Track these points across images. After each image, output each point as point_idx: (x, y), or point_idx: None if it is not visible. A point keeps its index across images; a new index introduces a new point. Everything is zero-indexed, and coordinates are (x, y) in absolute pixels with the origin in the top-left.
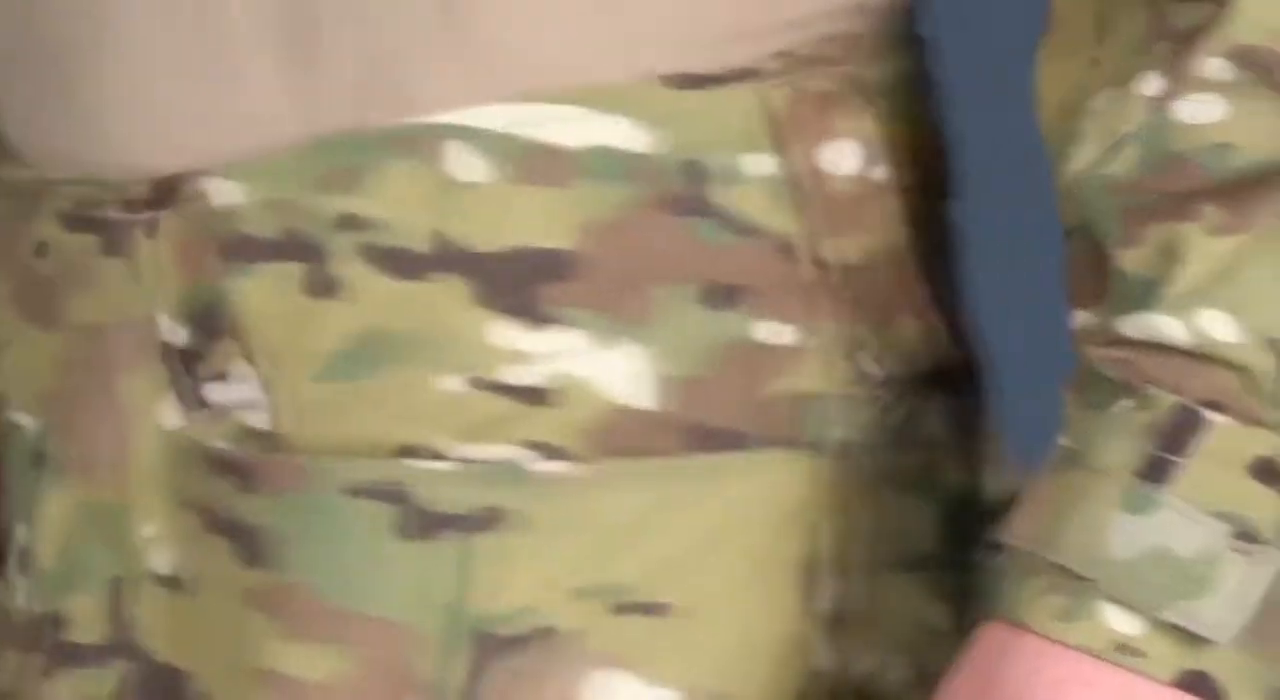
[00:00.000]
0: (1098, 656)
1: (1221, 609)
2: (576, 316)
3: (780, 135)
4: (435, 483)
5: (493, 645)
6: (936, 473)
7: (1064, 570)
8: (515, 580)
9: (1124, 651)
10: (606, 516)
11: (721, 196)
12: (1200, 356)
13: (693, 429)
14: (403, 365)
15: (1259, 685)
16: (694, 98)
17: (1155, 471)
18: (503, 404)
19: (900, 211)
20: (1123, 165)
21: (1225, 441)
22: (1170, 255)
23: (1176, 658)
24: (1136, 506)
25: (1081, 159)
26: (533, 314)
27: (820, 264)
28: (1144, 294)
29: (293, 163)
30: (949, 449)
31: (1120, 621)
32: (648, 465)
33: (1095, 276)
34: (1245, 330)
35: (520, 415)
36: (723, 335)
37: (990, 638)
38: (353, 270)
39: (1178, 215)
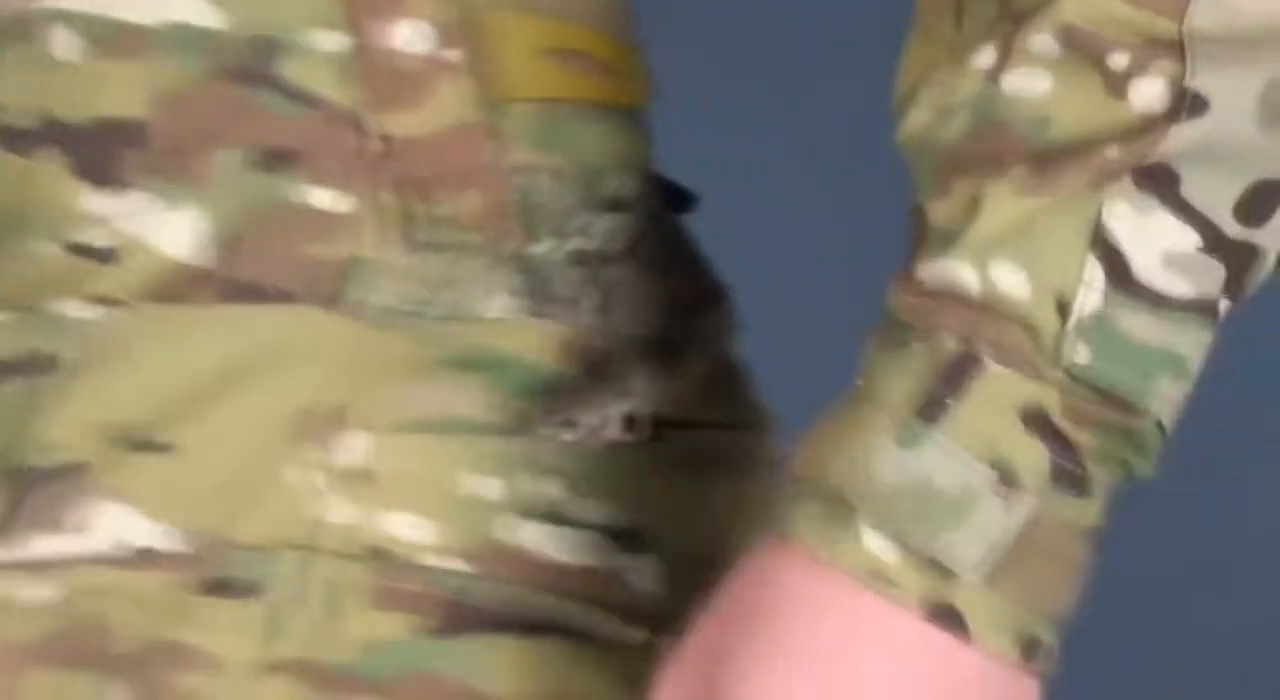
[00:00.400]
0: (857, 581)
1: (973, 546)
2: (146, 180)
3: (353, 12)
4: None
5: (34, 477)
6: (493, 346)
7: (836, 497)
8: (58, 418)
9: (878, 578)
10: (134, 360)
11: (288, 69)
12: (989, 308)
13: (236, 284)
14: (15, 236)
15: (1007, 626)
16: None
17: (930, 410)
18: (86, 265)
19: (472, 93)
20: (951, 132)
21: (1001, 389)
22: (973, 207)
23: (926, 589)
24: (906, 441)
25: (914, 122)
26: (113, 181)
27: (383, 137)
28: (944, 242)
29: None
30: (511, 326)
31: (879, 548)
32: (180, 312)
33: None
34: (1035, 287)
35: (93, 272)
36: (277, 198)
37: (762, 554)
38: None
39: (988, 173)
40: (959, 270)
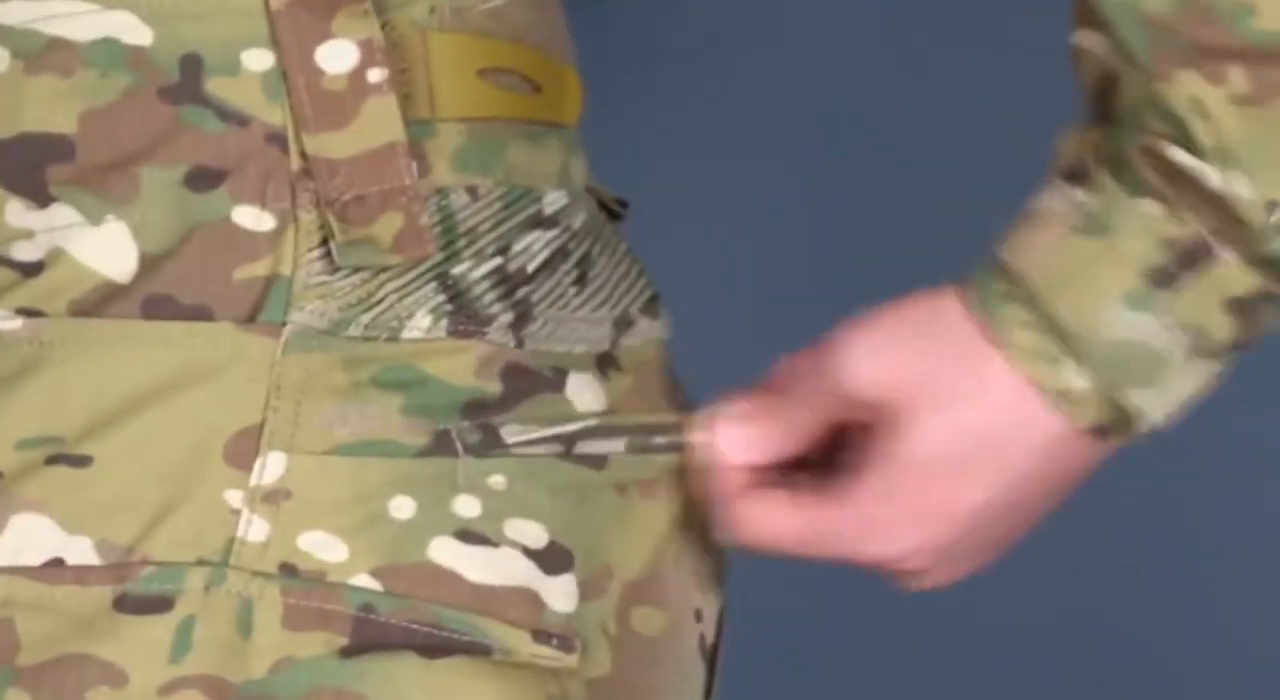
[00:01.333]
0: (1044, 393)
1: (1159, 401)
2: (72, 195)
3: (279, 32)
4: None
5: None
6: (413, 367)
7: (1052, 321)
8: None
9: (1064, 398)
10: (52, 372)
11: (216, 87)
12: (1223, 202)
13: (155, 299)
14: None
15: (1126, 441)
16: None
17: (1161, 279)
18: (10, 276)
19: (394, 114)
20: (1154, 1)
21: (1222, 277)
22: (1201, 111)
23: (1101, 420)
24: (1134, 302)
25: None
26: (39, 195)
27: (304, 156)
28: (1183, 133)
29: None
30: (431, 346)
31: (1075, 378)
32: (99, 326)
33: (1110, 79)
34: (1256, 192)
35: (19, 284)
36: (202, 216)
37: (960, 324)
38: None
39: (1207, 73)
40: (1204, 168)
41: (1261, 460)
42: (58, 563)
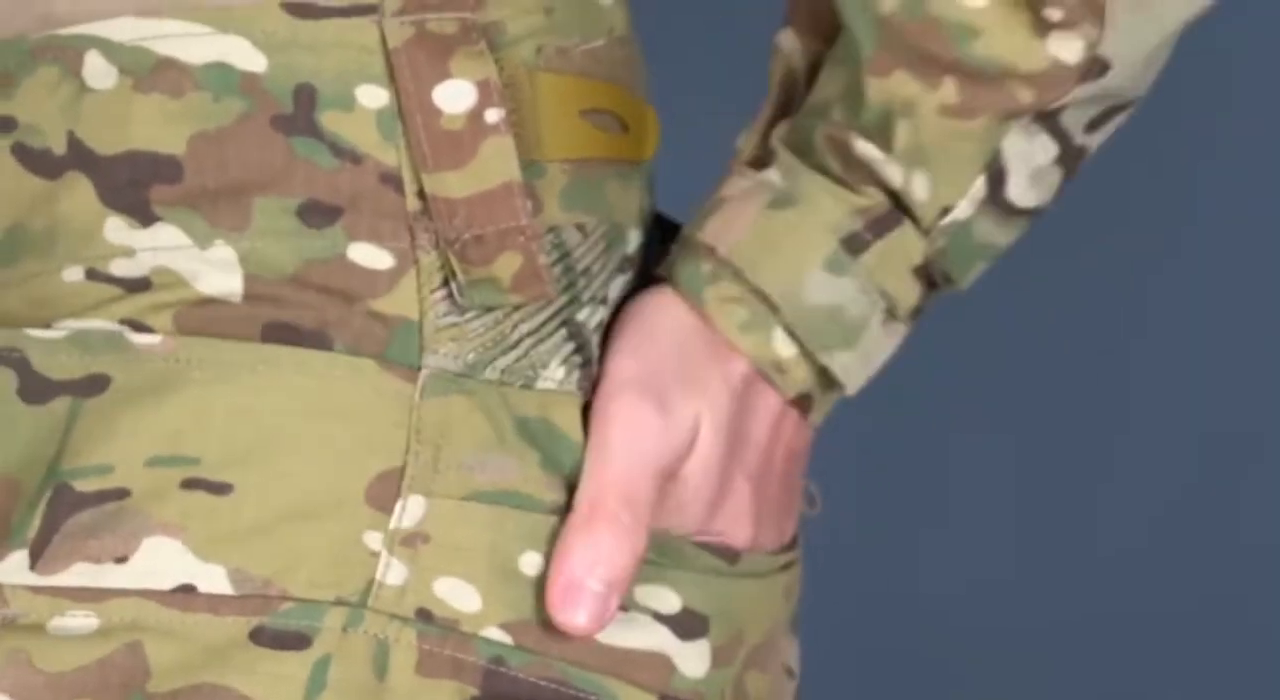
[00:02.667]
0: (754, 366)
1: (857, 363)
2: (179, 216)
3: (396, 70)
4: (48, 350)
5: (70, 499)
6: (548, 420)
7: (761, 296)
8: (103, 441)
9: (775, 368)
10: (189, 391)
11: (331, 121)
12: (900, 196)
13: (275, 325)
14: (38, 257)
15: (827, 412)
16: (313, 27)
17: (856, 245)
18: (109, 291)
19: (510, 154)
20: (889, 5)
21: (905, 243)
22: (908, 110)
23: (805, 386)
24: (834, 267)
25: None
26: (142, 213)
27: (422, 196)
28: (880, 128)
29: None
30: (562, 399)
31: (784, 347)
32: (238, 349)
33: (834, 65)
34: (933, 195)
35: (120, 299)
36: (317, 252)
37: (673, 311)
38: (6, 168)
39: (922, 77)
40: (888, 166)
41: (1263, 461)
42: (189, 589)
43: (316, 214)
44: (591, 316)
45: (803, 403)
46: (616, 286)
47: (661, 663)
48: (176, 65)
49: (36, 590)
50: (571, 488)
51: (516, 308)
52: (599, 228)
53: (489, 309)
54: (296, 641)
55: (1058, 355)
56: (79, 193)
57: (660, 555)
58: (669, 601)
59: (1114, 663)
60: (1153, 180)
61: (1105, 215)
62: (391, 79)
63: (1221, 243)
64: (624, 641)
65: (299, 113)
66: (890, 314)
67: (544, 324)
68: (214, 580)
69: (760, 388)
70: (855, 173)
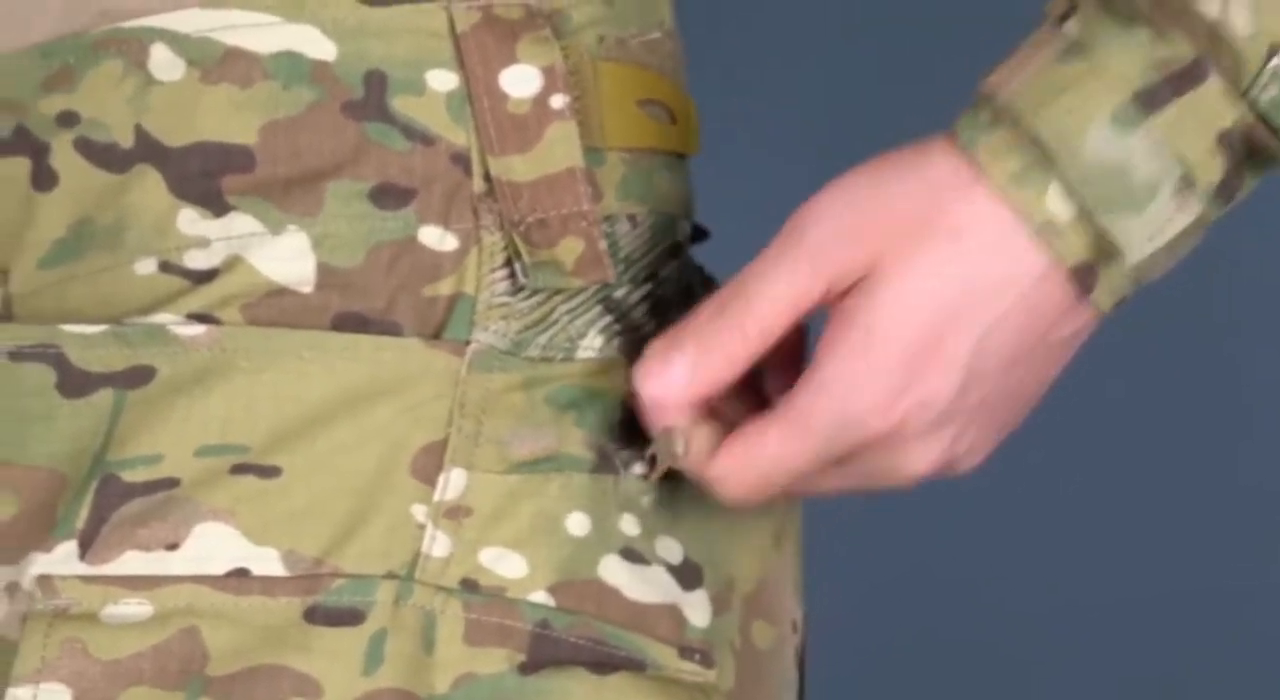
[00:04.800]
0: (1028, 227)
1: (1143, 234)
2: (252, 205)
3: (464, 54)
4: (85, 345)
5: (118, 489)
6: (585, 386)
7: (1038, 145)
8: (151, 432)
9: (1048, 229)
10: (237, 380)
11: (401, 105)
12: (1216, 34)
13: (344, 315)
14: (107, 251)
15: (1118, 296)
16: (382, 13)
17: (1150, 100)
18: (181, 283)
19: (574, 140)
20: None
21: (1211, 103)
22: None
23: (1083, 254)
24: (1122, 122)
25: None
26: (214, 203)
27: (488, 178)
28: None
29: (19, 65)
30: (602, 365)
31: (1058, 205)
32: (285, 336)
33: None
34: (1257, 29)
35: (190, 291)
36: (387, 233)
37: (943, 162)
38: (69, 163)
39: None
40: None
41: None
42: (242, 573)
43: (389, 196)
44: (632, 293)
45: (1083, 275)
46: (665, 270)
47: (674, 614)
48: (245, 55)
49: (88, 580)
50: (600, 446)
51: (566, 288)
52: (649, 218)
53: (539, 290)
54: (351, 617)
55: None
56: (149, 185)
57: (660, 499)
58: (675, 552)
59: (1113, 660)
60: None
61: None
62: (460, 63)
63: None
64: (644, 596)
65: (370, 98)
66: (1186, 183)
67: (582, 302)
68: (267, 563)
69: (1016, 251)
70: (1165, 6)
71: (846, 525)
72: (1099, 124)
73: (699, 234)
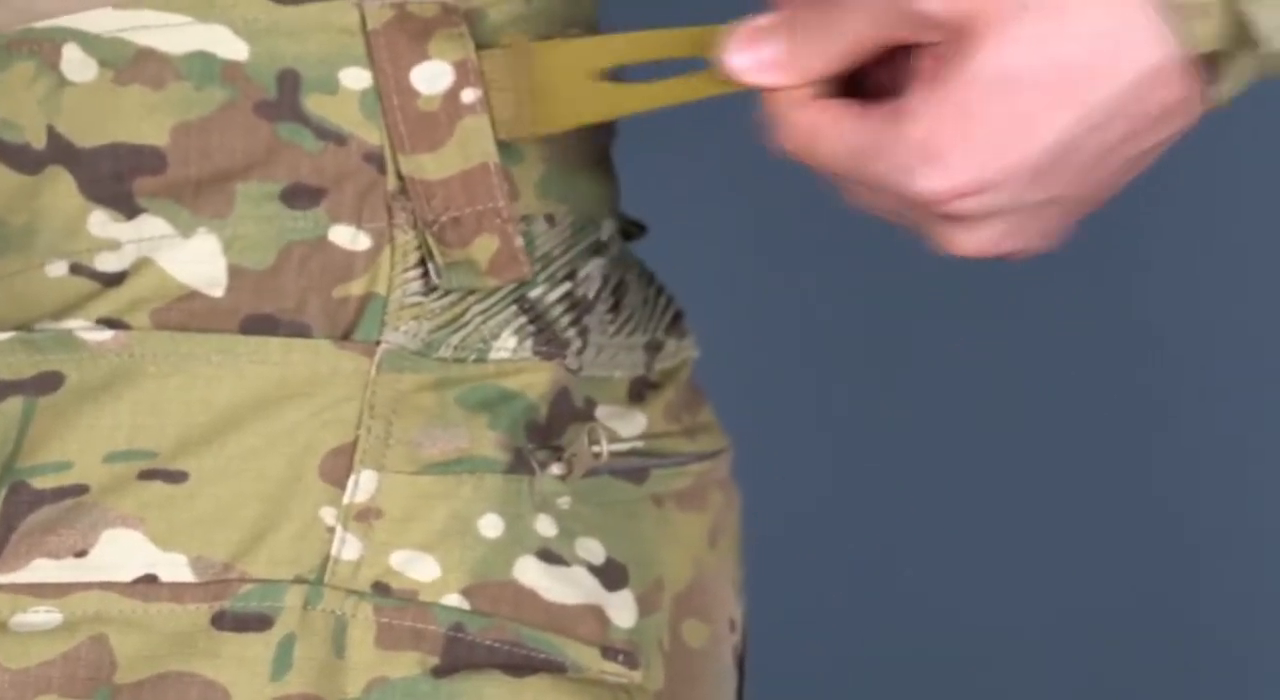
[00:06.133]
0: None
1: (1272, 16)
2: (162, 207)
3: (374, 51)
4: None
5: (27, 496)
6: (498, 386)
7: None
8: (60, 438)
9: (1185, 9)
10: (145, 385)
11: (314, 105)
12: None
13: (253, 317)
14: (19, 253)
15: (1235, 88)
16: (294, 12)
17: None
18: (92, 286)
19: (487, 134)
20: None
21: None
22: None
23: (1215, 41)
24: None
25: None
26: (125, 205)
27: (401, 176)
28: None
29: None
30: (515, 365)
31: None
32: (194, 340)
33: None
34: None
35: (99, 294)
36: (298, 234)
37: None
38: None
39: None
40: None
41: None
42: (150, 579)
43: (299, 196)
44: (548, 293)
45: (1212, 65)
46: (585, 269)
47: (596, 615)
48: (156, 56)
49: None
50: (514, 447)
51: (480, 288)
52: (568, 217)
53: (454, 289)
54: (258, 623)
55: (1057, 353)
56: (60, 186)
57: (581, 500)
58: (597, 553)
59: (1111, 662)
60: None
61: (1107, 215)
62: (372, 61)
63: (1219, 242)
64: (563, 598)
65: (283, 98)
66: None
67: (496, 302)
68: (175, 568)
69: (1133, 34)
70: None
71: (811, 526)
72: None
73: (636, 229)
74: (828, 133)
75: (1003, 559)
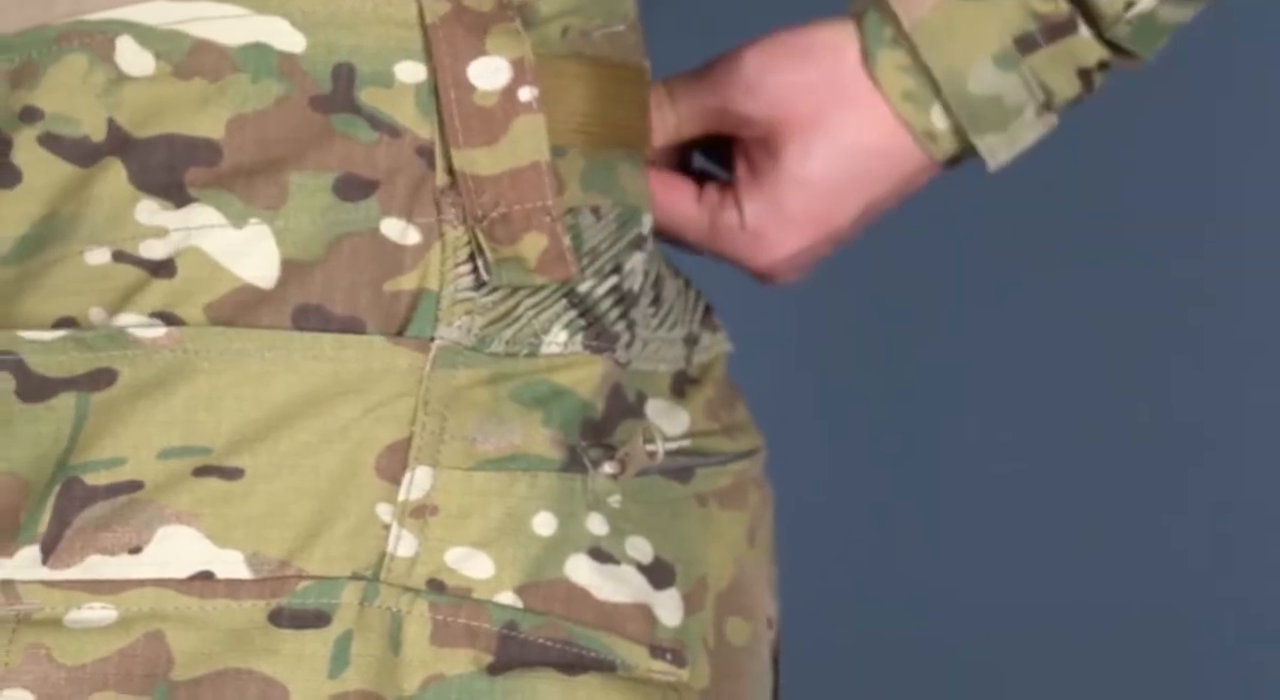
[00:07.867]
0: (909, 133)
1: (1004, 144)
2: (214, 197)
3: (433, 45)
4: (43, 351)
5: (80, 493)
6: (550, 382)
7: (926, 69)
8: (113, 435)
9: (929, 137)
10: (199, 382)
11: (369, 97)
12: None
13: (304, 309)
14: (61, 243)
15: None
16: (352, 5)
17: (1027, 45)
18: (136, 274)
19: (541, 133)
20: None
21: (1077, 47)
22: None
23: (953, 152)
24: (1002, 63)
25: None
26: (176, 195)
27: (451, 172)
28: None
29: None
30: (567, 360)
31: (940, 120)
32: (248, 336)
33: None
34: None
35: (146, 284)
36: (350, 226)
37: (850, 58)
38: (33, 159)
39: None
40: None
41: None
42: (206, 576)
43: (352, 188)
44: (597, 287)
45: (950, 163)
46: (630, 263)
47: (644, 614)
48: (213, 48)
49: (50, 584)
50: (567, 444)
51: (529, 284)
52: (613, 210)
53: (504, 285)
54: (316, 620)
55: (1054, 350)
56: (111, 175)
57: (630, 499)
58: (646, 552)
59: (1111, 660)
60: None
61: (1105, 215)
62: (429, 55)
63: (1216, 240)
64: (614, 596)
65: (338, 91)
66: (1046, 106)
67: (546, 297)
68: (231, 565)
69: (902, 146)
70: None
71: (830, 526)
72: (984, 64)
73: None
74: (673, 210)
75: (1002, 558)
